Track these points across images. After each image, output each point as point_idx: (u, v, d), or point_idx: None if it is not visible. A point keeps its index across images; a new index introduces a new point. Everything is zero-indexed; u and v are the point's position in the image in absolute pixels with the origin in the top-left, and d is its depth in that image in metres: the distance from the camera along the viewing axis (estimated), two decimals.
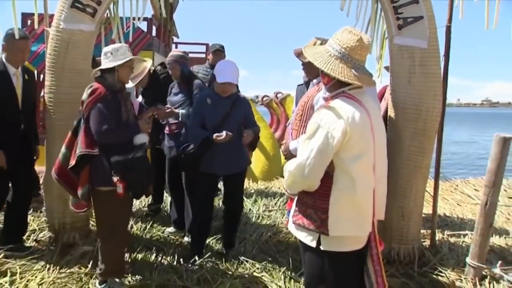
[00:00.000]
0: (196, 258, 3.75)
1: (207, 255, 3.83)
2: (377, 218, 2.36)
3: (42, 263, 3.60)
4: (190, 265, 3.67)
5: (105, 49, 3.12)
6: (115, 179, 2.95)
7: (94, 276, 3.40)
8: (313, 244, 2.30)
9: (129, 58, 3.10)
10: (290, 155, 2.83)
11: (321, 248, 2.28)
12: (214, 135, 3.59)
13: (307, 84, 4.45)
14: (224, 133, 3.56)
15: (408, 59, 3.56)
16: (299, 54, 3.35)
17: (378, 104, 3.55)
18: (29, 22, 7.89)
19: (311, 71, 3.30)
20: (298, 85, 4.75)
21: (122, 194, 2.97)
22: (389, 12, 3.59)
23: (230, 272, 3.62)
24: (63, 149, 3.15)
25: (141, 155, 3.07)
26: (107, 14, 3.93)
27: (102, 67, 3.09)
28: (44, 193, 4.06)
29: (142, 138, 3.16)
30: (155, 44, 8.31)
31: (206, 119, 3.75)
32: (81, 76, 3.70)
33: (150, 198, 5.13)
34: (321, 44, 2.85)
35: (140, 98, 4.68)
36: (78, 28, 3.67)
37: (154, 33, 8.55)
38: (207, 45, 10.22)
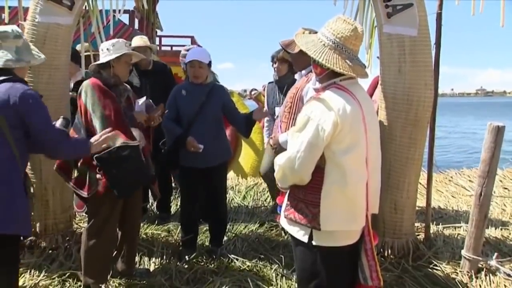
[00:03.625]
0: (186, 257, 3.67)
1: (195, 254, 3.74)
2: (371, 212, 2.29)
3: (23, 267, 3.42)
4: (179, 265, 3.57)
5: (102, 45, 3.10)
6: (97, 175, 2.89)
7: (77, 279, 3.27)
8: (305, 239, 2.24)
9: (123, 52, 3.03)
10: (280, 149, 2.78)
11: (313, 243, 2.22)
12: (189, 140, 3.51)
13: (277, 82, 4.42)
14: (200, 146, 3.50)
15: (398, 48, 3.48)
16: (287, 45, 3.24)
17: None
18: (3, 16, 7.65)
19: (300, 62, 3.19)
20: (269, 83, 4.65)
21: (102, 191, 2.91)
22: (377, 0, 3.50)
23: (219, 271, 3.52)
24: None
25: (128, 151, 2.94)
26: (85, 6, 3.80)
27: (98, 62, 3.07)
28: None
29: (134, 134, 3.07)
30: None
31: (181, 111, 3.67)
32: (59, 71, 3.58)
33: None
34: (309, 34, 2.76)
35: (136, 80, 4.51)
36: (55, 22, 3.52)
37: (136, 26, 8.33)
38: (192, 38, 10.00)
